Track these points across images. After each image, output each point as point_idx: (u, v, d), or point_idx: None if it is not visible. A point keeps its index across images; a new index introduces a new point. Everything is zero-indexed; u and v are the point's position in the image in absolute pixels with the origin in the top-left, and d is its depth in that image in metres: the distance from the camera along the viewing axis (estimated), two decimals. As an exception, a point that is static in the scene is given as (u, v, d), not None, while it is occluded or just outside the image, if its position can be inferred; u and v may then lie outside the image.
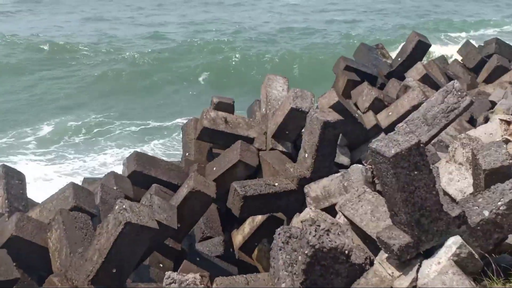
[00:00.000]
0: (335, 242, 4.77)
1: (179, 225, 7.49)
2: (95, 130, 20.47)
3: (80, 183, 8.75)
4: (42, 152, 18.77)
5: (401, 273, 5.01)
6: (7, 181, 7.70)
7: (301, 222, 6.46)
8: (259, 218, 9.03)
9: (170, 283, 4.74)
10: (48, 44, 30.01)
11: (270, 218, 8.89)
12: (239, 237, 9.27)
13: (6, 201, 7.55)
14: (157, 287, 6.70)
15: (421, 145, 4.74)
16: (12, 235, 6.79)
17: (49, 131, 20.39)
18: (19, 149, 18.94)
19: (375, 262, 5.24)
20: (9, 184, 7.69)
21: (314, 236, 4.79)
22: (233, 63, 27.97)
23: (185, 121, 11.28)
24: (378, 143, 4.82)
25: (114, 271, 5.92)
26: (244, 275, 6.91)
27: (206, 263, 7.97)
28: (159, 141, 19.35)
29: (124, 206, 5.88)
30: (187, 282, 4.69)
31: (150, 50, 29.69)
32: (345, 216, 6.12)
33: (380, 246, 5.14)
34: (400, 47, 14.69)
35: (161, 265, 7.74)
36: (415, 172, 4.74)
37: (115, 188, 8.40)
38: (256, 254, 9.06)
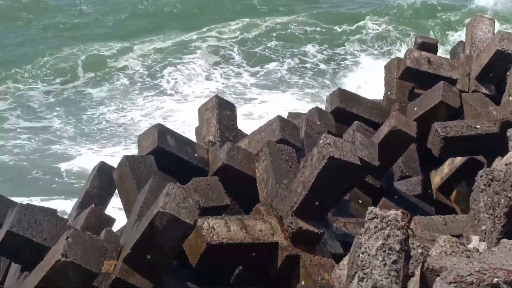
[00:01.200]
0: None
1: (379, 163, 7.66)
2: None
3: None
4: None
5: None
6: (220, 111, 8.23)
7: (506, 165, 6.38)
8: (458, 160, 8.96)
9: (372, 218, 4.93)
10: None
11: (470, 160, 8.80)
12: (437, 177, 9.27)
13: (218, 131, 8.11)
14: (358, 222, 6.94)
15: None
16: (223, 163, 7.32)
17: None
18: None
19: None
20: (221, 115, 8.23)
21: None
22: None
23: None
24: None
25: (317, 203, 6.21)
26: (442, 216, 6.98)
27: (403, 202, 8.11)
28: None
29: (328, 141, 6.10)
30: (389, 218, 4.85)
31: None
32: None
33: None
34: None
35: (360, 201, 7.99)
36: None
37: (318, 123, 8.70)
38: (455, 196, 9.04)
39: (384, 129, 8.07)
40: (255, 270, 6.44)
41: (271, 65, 21.66)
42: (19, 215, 5.86)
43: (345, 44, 23.09)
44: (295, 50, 22.49)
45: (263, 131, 7.92)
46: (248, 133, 8.49)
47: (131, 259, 5.67)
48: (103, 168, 8.16)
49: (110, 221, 7.19)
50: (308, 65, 21.76)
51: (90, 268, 5.21)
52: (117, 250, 5.89)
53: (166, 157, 7.52)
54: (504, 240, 5.02)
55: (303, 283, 6.07)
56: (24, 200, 9.62)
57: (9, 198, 8.18)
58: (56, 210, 7.44)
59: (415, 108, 9.30)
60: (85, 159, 16.72)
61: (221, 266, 6.40)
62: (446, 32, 24.11)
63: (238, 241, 6.10)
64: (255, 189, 7.10)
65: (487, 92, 9.21)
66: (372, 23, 24.39)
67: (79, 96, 20.26)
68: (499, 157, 7.53)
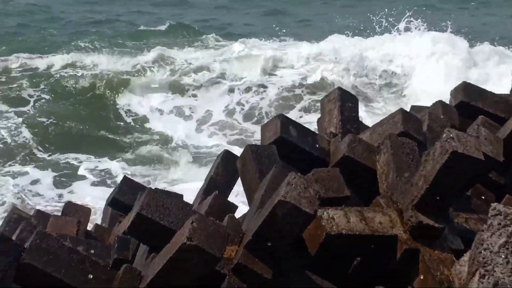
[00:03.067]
0: None
1: (503, 158, 7.46)
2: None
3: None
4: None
5: None
6: (342, 103, 8.27)
7: None
8: None
9: (495, 215, 4.85)
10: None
11: None
12: None
13: (340, 122, 8.15)
14: (480, 218, 6.82)
15: None
16: (344, 155, 7.37)
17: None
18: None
19: None
20: (344, 107, 8.27)
21: None
22: None
23: None
24: None
25: (438, 198, 6.15)
26: None
27: (529, 199, 7.86)
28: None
29: (451, 135, 6.02)
30: (513, 215, 4.77)
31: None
32: None
33: None
34: None
35: (483, 197, 7.81)
36: None
37: (441, 117, 8.57)
38: None
39: (510, 124, 7.85)
40: (373, 262, 6.47)
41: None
42: (148, 198, 6.15)
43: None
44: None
45: (385, 124, 7.90)
46: (370, 126, 8.50)
47: (252, 245, 5.84)
48: (227, 156, 8.41)
49: (233, 208, 7.42)
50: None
51: (213, 252, 5.40)
52: (239, 236, 6.08)
53: (288, 147, 7.66)
54: None
55: (421, 277, 6.04)
56: None
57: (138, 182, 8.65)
58: (182, 195, 7.77)
59: (546, 103, 8.98)
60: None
61: (340, 256, 6.47)
62: None
63: (357, 233, 6.14)
64: (375, 182, 7.10)
65: None
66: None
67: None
68: None
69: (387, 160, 6.96)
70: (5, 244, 5.68)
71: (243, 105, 21.20)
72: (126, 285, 5.74)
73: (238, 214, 7.32)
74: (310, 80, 22.74)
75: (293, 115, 19.28)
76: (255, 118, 20.38)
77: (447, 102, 9.44)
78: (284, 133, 7.65)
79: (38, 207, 9.28)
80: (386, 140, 7.12)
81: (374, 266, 6.48)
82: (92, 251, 6.81)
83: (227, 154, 8.46)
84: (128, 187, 8.56)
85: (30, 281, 5.78)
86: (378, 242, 6.22)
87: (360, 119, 8.71)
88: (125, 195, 8.47)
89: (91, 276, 5.80)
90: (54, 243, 5.83)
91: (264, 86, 22.30)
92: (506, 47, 25.46)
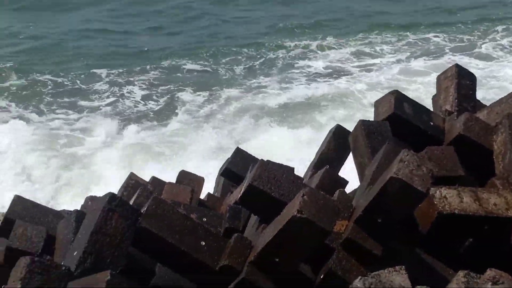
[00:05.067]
0: None
1: None
2: None
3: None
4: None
5: None
6: (459, 81, 8.07)
7: None
8: None
9: None
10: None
11: None
12: None
13: (456, 100, 7.96)
14: None
15: None
16: (459, 133, 7.19)
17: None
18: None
19: None
20: (460, 84, 8.07)
21: None
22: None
23: None
24: None
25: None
26: None
27: None
28: None
29: None
30: None
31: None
32: None
33: None
34: None
35: None
36: None
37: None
38: None
39: None
40: (486, 243, 6.33)
41: None
42: (260, 170, 6.25)
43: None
44: None
45: (504, 103, 7.65)
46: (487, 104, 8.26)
47: (362, 221, 5.84)
48: (339, 132, 8.41)
49: (343, 182, 7.43)
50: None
51: (323, 226, 5.45)
52: (349, 211, 6.09)
53: (401, 124, 7.56)
54: None
55: (537, 262, 5.87)
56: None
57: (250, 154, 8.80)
58: (293, 168, 7.84)
59: None
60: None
61: (451, 236, 6.37)
62: None
63: (470, 213, 6.03)
64: (491, 162, 6.92)
65: None
66: None
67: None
68: None
69: (505, 140, 6.76)
70: (124, 208, 5.93)
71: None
72: (237, 254, 5.88)
73: (348, 189, 7.32)
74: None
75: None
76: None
77: None
78: (398, 110, 7.55)
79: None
80: (504, 120, 6.91)
81: (486, 247, 6.34)
82: (205, 219, 7.01)
83: (339, 129, 8.46)
84: (240, 158, 8.72)
85: (146, 245, 6.03)
86: (492, 224, 6.08)
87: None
88: (237, 166, 8.64)
89: (203, 243, 5.97)
90: (169, 210, 6.04)
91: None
92: None
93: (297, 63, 23.14)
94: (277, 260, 5.65)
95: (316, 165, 8.20)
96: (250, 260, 5.76)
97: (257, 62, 23.49)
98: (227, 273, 5.85)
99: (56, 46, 24.83)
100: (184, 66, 23.16)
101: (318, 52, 24.20)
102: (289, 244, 5.57)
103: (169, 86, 21.51)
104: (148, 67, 22.99)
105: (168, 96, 20.87)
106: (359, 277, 4.67)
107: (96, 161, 17.07)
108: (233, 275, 5.82)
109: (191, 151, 17.17)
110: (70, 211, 7.94)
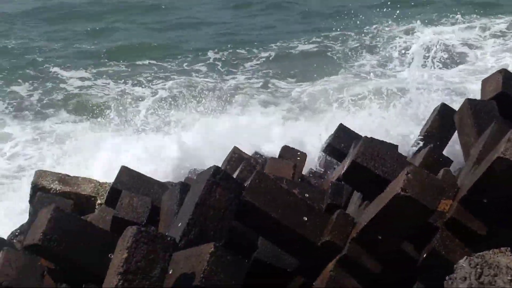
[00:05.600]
0: None
1: None
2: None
3: None
4: None
5: None
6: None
7: None
8: None
9: None
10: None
11: None
12: None
13: None
14: None
15: None
16: None
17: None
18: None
19: None
20: None
21: None
22: None
23: None
24: None
25: None
26: None
27: None
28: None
29: None
30: None
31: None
32: None
33: None
34: None
35: None
36: None
37: None
38: None
39: None
40: None
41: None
42: (364, 147, 6.24)
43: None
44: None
45: None
46: None
47: (467, 201, 5.75)
48: (444, 110, 8.25)
49: (448, 162, 7.31)
50: None
51: (427, 204, 5.39)
52: (453, 191, 6.00)
53: (509, 103, 7.36)
54: None
55: None
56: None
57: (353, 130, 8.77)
58: (397, 145, 7.77)
59: None
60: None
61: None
62: None
63: None
64: None
65: None
66: None
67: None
68: None
69: None
70: (228, 182, 6.04)
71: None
72: (339, 230, 5.91)
73: (453, 168, 7.20)
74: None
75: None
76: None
77: None
78: (506, 89, 7.34)
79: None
80: None
81: None
82: (307, 195, 7.05)
83: (444, 108, 8.30)
84: (343, 135, 8.71)
85: (249, 219, 6.13)
86: None
87: None
88: (340, 143, 8.63)
89: (305, 219, 6.02)
90: (272, 184, 6.11)
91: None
92: None
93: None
94: (379, 237, 5.64)
95: (420, 144, 8.10)
96: (352, 237, 5.78)
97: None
98: (329, 249, 5.89)
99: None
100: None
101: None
102: (392, 222, 5.55)
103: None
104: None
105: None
106: (465, 257, 4.62)
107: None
108: (334, 251, 5.86)
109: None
110: (175, 182, 8.18)
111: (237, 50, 21.44)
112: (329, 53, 20.74)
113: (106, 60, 20.61)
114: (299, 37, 22.38)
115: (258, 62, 20.41)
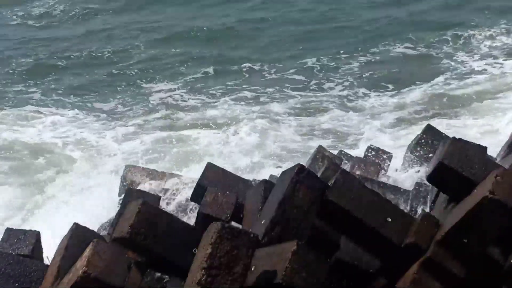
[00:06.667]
0: None
1: None
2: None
3: None
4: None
5: None
6: None
7: None
8: None
9: None
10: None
11: None
12: None
13: None
14: None
15: None
16: None
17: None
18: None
19: None
20: None
21: None
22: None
23: None
24: None
25: None
26: None
27: None
28: None
29: None
30: None
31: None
32: None
33: None
34: None
35: None
36: None
37: None
38: None
39: None
40: None
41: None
42: (452, 148, 6.09)
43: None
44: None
45: None
46: None
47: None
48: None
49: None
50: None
51: (514, 207, 5.24)
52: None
53: None
54: None
55: None
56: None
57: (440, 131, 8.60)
58: (486, 147, 7.55)
59: None
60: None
61: None
62: None
63: None
64: None
65: None
66: None
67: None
68: None
69: None
70: (312, 180, 6.01)
71: None
72: (423, 232, 5.79)
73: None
74: None
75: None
76: None
77: None
78: None
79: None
80: None
81: None
82: (392, 196, 6.96)
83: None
84: (430, 135, 8.55)
85: (332, 218, 6.09)
86: None
87: None
88: (426, 143, 8.48)
89: (389, 220, 5.93)
90: (356, 184, 6.04)
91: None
92: None
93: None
94: (465, 241, 5.51)
95: (510, 145, 7.85)
96: (437, 239, 5.67)
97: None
98: (412, 251, 5.79)
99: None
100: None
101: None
102: (478, 225, 5.41)
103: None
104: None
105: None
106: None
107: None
108: (418, 253, 5.75)
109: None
110: (260, 180, 8.22)
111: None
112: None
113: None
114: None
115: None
